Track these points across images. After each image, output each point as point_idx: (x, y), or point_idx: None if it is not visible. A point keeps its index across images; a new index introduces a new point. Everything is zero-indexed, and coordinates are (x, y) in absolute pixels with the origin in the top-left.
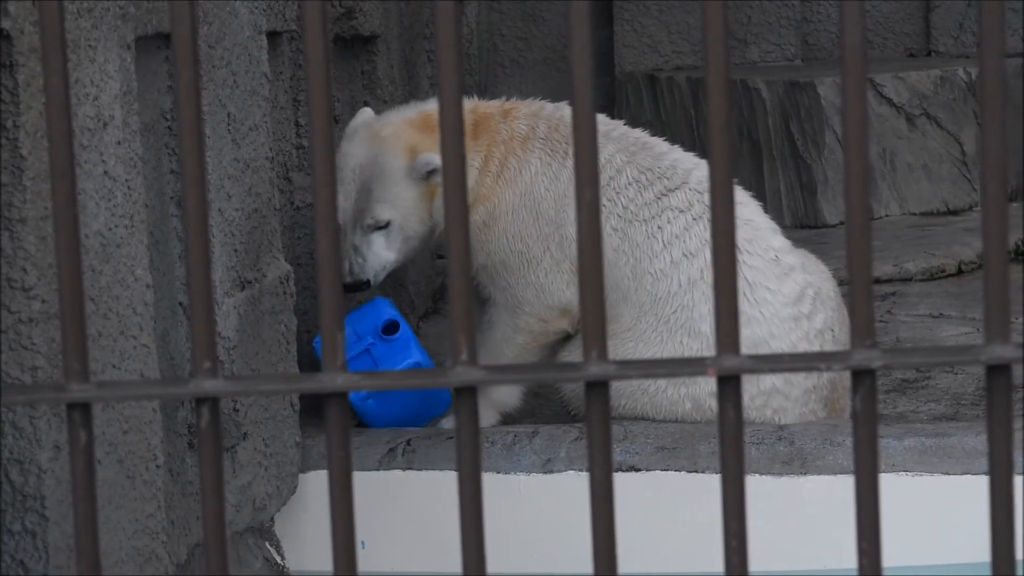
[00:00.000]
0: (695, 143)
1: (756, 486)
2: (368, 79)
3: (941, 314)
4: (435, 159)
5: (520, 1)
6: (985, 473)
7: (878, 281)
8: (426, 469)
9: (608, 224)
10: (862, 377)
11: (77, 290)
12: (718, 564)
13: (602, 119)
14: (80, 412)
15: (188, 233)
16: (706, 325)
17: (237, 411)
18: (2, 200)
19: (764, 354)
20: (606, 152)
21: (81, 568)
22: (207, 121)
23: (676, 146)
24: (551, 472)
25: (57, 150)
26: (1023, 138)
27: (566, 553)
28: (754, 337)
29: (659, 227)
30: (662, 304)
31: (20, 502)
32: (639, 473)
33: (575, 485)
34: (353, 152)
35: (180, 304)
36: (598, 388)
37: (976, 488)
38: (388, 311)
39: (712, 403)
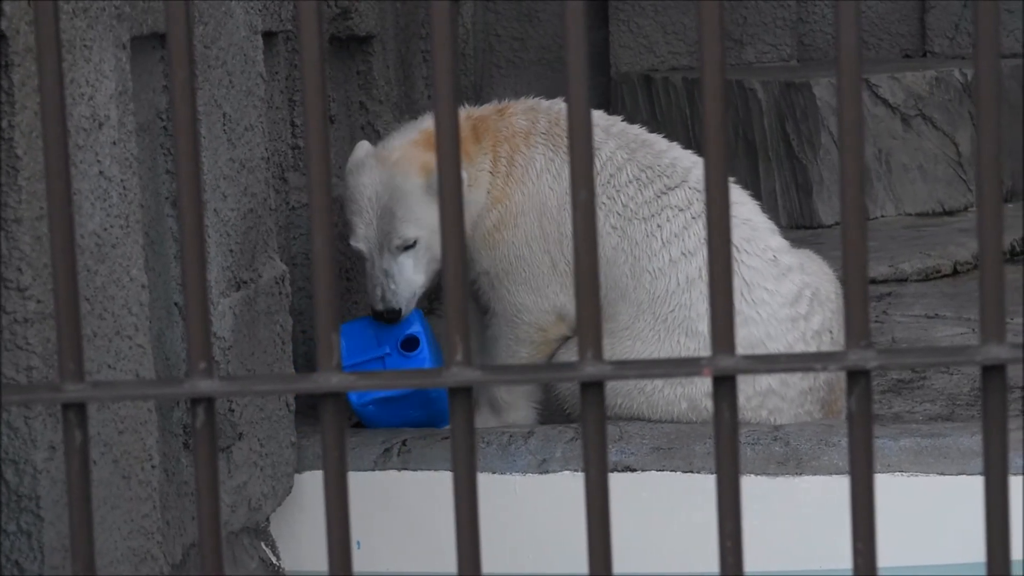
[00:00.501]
0: (691, 144)
1: (751, 486)
2: (364, 79)
3: (936, 315)
4: None
5: (516, 1)
6: (980, 473)
7: (874, 281)
8: (422, 469)
9: (607, 222)
10: (857, 377)
11: (72, 290)
12: (713, 564)
13: (601, 115)
14: (75, 412)
15: (183, 233)
16: (703, 324)
17: (233, 411)
18: None
19: (760, 354)
20: (607, 149)
21: (76, 568)
22: (203, 121)
23: (675, 143)
24: (547, 472)
25: (52, 150)
26: (1019, 139)
27: (562, 553)
28: (751, 338)
29: (658, 225)
30: (660, 303)
31: (15, 502)
32: (635, 473)
33: (571, 485)
34: (366, 182)
35: (176, 304)
36: (593, 388)
37: (971, 488)
38: (415, 326)
39: (708, 404)
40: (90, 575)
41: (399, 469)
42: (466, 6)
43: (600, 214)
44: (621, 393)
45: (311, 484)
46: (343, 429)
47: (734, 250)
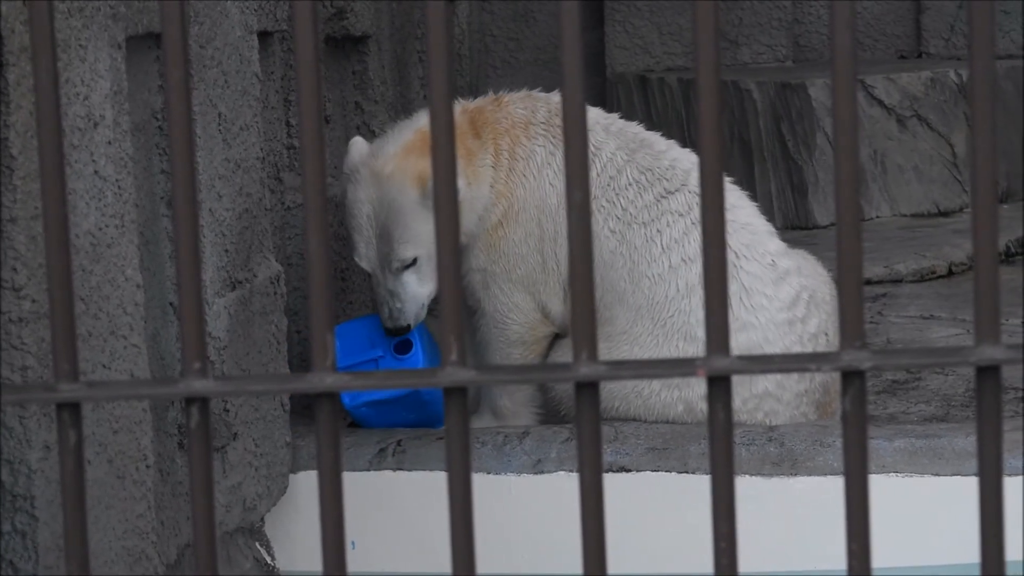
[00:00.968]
0: (686, 144)
1: (746, 487)
2: (359, 79)
3: (931, 315)
4: None
5: (511, 1)
6: (975, 474)
7: (868, 282)
8: (416, 470)
9: (606, 226)
10: (851, 378)
11: (67, 290)
12: (708, 565)
13: (599, 113)
14: (70, 412)
15: (178, 233)
16: (703, 330)
17: (227, 411)
18: None
19: (754, 355)
20: (607, 150)
21: (71, 568)
22: (198, 121)
23: (672, 141)
24: (541, 473)
25: (47, 150)
26: (1013, 140)
27: (556, 554)
28: (749, 343)
29: (658, 231)
30: (659, 308)
31: (10, 502)
32: (629, 474)
33: (566, 486)
34: (362, 198)
35: (170, 304)
36: (588, 388)
37: (966, 489)
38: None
39: (705, 406)
40: (84, 575)
41: (394, 469)
42: (462, 6)
43: (599, 217)
44: (618, 396)
45: (306, 484)
46: (338, 429)
47: (734, 256)
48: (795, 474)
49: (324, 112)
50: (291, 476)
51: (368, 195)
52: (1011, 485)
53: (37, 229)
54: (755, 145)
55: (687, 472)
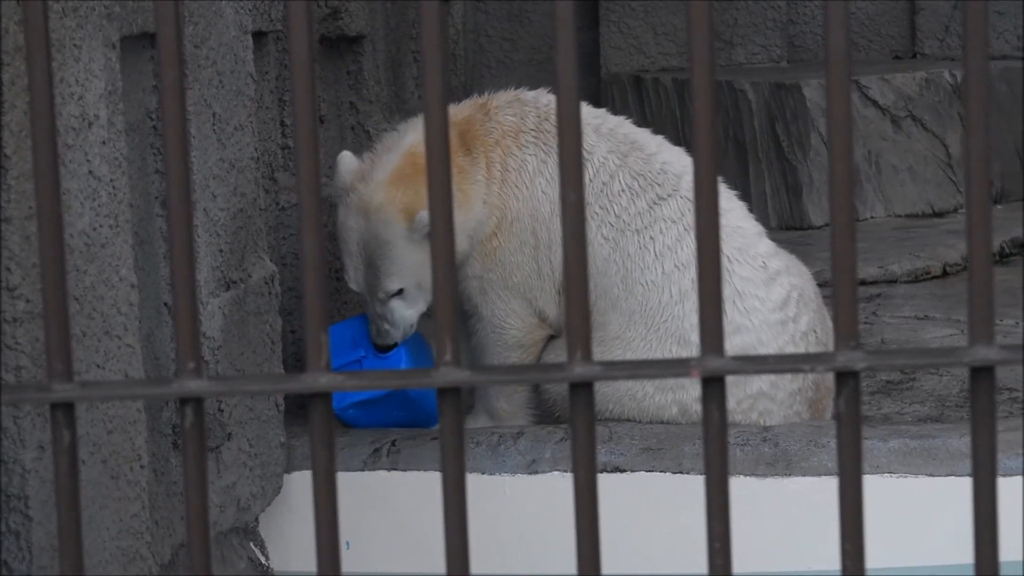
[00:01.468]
0: (681, 144)
1: (740, 487)
2: (354, 79)
3: (926, 316)
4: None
5: (506, 1)
6: (969, 475)
7: (863, 283)
8: (411, 470)
9: (600, 232)
10: (846, 379)
11: (61, 290)
12: (702, 565)
13: (589, 111)
14: (63, 412)
15: (173, 233)
16: (696, 335)
17: (222, 411)
18: None
19: (748, 355)
20: (599, 154)
21: (64, 568)
22: (192, 121)
23: (662, 139)
24: (536, 473)
25: (41, 149)
26: (1008, 141)
27: (551, 554)
28: (743, 344)
29: (651, 238)
30: (652, 314)
31: (4, 502)
32: (624, 474)
33: (560, 486)
34: (352, 225)
35: (165, 304)
36: (582, 389)
37: (960, 490)
38: None
39: (699, 409)
40: (78, 575)
41: (388, 469)
42: (456, 6)
43: (593, 224)
44: (612, 399)
45: (300, 484)
46: (332, 429)
47: (727, 260)
48: (789, 474)
49: (319, 112)
50: (285, 476)
51: (356, 224)
52: (1009, 485)
53: (31, 229)
54: (750, 145)
55: (681, 472)
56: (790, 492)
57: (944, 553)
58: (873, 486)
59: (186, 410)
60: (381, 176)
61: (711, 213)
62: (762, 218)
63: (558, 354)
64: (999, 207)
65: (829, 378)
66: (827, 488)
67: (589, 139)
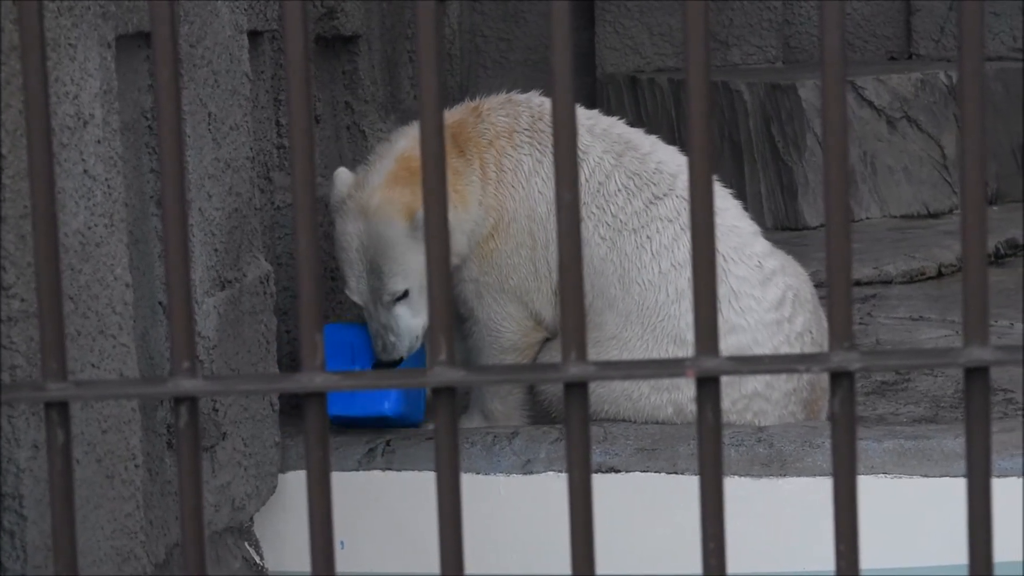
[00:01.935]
0: (676, 145)
1: (735, 488)
2: (349, 79)
3: (921, 317)
4: None
5: (502, 2)
6: (963, 476)
7: (858, 283)
8: (405, 470)
9: (597, 232)
10: (841, 379)
11: (56, 289)
12: (697, 565)
13: (582, 112)
14: (58, 411)
15: (168, 232)
16: (692, 334)
17: (216, 411)
18: None
19: (743, 356)
20: (594, 154)
21: (59, 568)
22: (187, 120)
23: (655, 138)
24: (531, 473)
25: (36, 148)
26: (1003, 142)
27: (545, 554)
28: (739, 344)
29: (648, 237)
30: (649, 313)
31: None
32: (618, 474)
33: (554, 486)
34: (350, 232)
35: (160, 303)
36: (577, 389)
37: (954, 490)
38: None
39: (695, 408)
40: (72, 575)
41: (383, 469)
42: (452, 6)
43: (589, 224)
44: (607, 400)
45: (295, 484)
46: (326, 429)
47: (723, 260)
48: (784, 475)
49: (314, 112)
50: (280, 476)
51: (356, 229)
52: (1008, 486)
53: (26, 228)
54: (745, 146)
55: (676, 473)
56: (785, 492)
57: (938, 554)
58: (868, 486)
59: (181, 409)
60: (377, 180)
61: (706, 213)
62: (757, 219)
63: (554, 355)
64: (994, 208)
65: (824, 379)
66: (822, 488)
67: (584, 139)
